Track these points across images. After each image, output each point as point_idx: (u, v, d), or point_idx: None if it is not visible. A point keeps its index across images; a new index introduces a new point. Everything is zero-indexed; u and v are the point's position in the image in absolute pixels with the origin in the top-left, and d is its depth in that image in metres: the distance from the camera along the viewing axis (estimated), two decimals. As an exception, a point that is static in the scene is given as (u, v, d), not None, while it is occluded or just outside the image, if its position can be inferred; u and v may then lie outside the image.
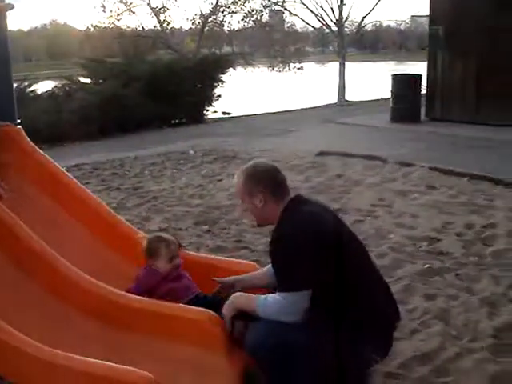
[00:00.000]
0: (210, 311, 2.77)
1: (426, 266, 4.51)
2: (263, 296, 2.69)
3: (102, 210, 3.68)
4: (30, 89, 13.69)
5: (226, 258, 3.40)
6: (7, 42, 3.89)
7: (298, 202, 2.78)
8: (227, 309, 2.73)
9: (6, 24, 3.91)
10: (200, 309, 2.79)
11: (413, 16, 44.81)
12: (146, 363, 2.50)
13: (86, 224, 3.59)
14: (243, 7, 25.39)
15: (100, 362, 2.42)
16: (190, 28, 27.34)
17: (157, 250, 3.11)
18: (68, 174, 3.87)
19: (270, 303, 2.62)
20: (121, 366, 2.39)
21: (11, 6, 3.84)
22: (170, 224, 5.79)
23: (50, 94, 13.83)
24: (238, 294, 2.81)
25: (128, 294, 2.91)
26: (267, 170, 2.81)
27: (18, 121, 3.99)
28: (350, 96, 21.90)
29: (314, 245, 2.57)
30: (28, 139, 3.82)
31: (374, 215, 5.92)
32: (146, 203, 6.66)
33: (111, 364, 2.40)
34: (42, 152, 3.84)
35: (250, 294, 2.77)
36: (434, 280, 4.26)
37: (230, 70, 18.05)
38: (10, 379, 2.49)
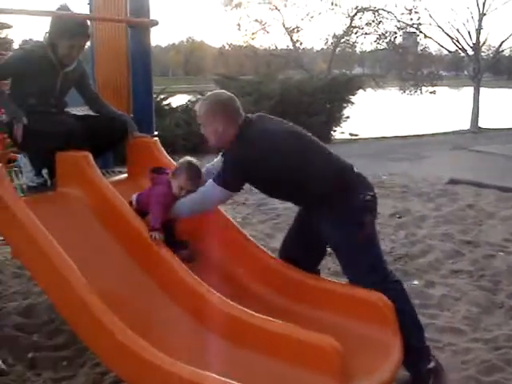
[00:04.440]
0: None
1: None
2: None
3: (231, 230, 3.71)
4: (166, 102, 14.29)
5: (350, 285, 3.32)
6: (150, 56, 4.09)
7: (250, 125, 3.27)
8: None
9: (149, 39, 4.11)
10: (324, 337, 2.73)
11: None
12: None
13: (220, 245, 3.62)
14: (377, 29, 25.17)
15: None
16: (322, 48, 27.55)
17: (178, 172, 3.36)
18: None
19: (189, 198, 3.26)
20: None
21: (155, 23, 4.03)
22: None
23: (184, 108, 14.35)
24: None
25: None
26: (224, 100, 3.31)
27: (156, 133, 4.17)
28: (483, 123, 20.98)
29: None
30: (164, 151, 3.97)
31: (506, 251, 5.61)
32: (270, 220, 6.71)
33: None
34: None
35: None
36: None
37: (360, 91, 17.89)
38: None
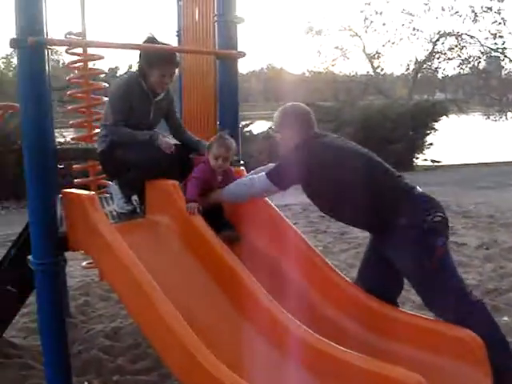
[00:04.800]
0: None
1: None
2: None
3: (317, 260, 3.66)
4: (247, 129, 14.47)
5: (436, 320, 3.22)
6: (237, 87, 4.15)
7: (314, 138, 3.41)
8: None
9: (237, 70, 4.17)
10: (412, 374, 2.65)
11: None
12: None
13: (304, 275, 3.57)
14: (460, 54, 24.72)
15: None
16: (402, 73, 27.26)
17: (210, 145, 3.54)
18: (285, 218, 3.94)
19: (243, 182, 3.50)
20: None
21: (243, 54, 4.08)
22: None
23: (265, 135, 14.48)
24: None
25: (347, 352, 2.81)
26: (303, 110, 3.52)
27: (242, 162, 4.20)
28: None
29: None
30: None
31: None
32: (352, 249, 6.63)
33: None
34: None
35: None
36: None
37: (443, 117, 17.52)
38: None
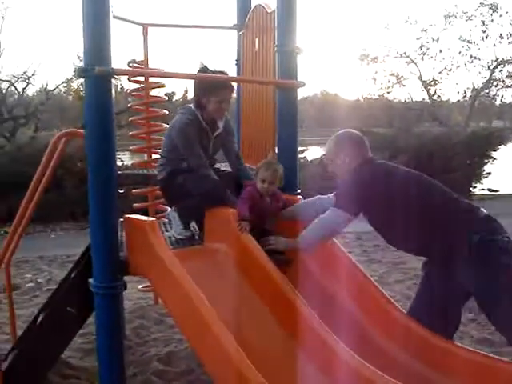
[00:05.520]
0: None
1: None
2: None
3: (372, 289, 3.64)
4: (301, 155, 14.49)
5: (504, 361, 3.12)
6: (296, 117, 4.17)
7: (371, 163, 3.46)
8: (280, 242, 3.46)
9: (296, 100, 4.20)
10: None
11: None
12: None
13: (358, 304, 3.56)
14: (519, 81, 24.29)
15: None
16: (458, 100, 26.90)
17: (257, 170, 3.62)
18: (338, 244, 3.90)
19: (317, 223, 3.38)
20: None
21: (302, 84, 4.11)
22: (431, 305, 5.57)
23: (319, 161, 14.48)
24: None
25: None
26: (357, 136, 3.54)
27: (299, 190, 4.21)
28: None
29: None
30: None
31: None
32: (407, 280, 6.52)
33: None
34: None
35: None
36: None
37: (502, 145, 17.14)
38: None
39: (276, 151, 4.20)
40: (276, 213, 3.74)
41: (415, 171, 3.50)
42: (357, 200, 3.31)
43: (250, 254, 3.36)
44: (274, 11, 4.14)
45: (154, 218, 3.59)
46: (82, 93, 23.69)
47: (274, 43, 4.08)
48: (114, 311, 3.33)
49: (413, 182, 3.35)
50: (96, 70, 3.02)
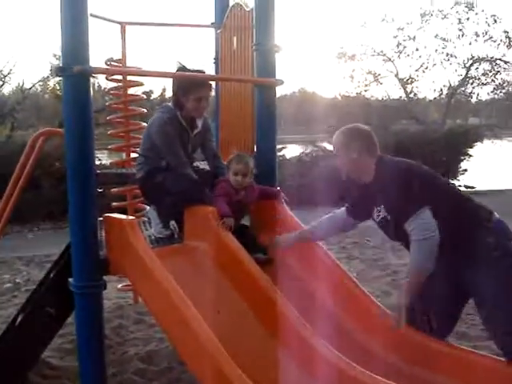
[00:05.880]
0: None
1: None
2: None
3: (350, 285, 3.67)
4: (280, 153, 14.51)
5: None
6: (275, 114, 4.20)
7: (385, 160, 3.35)
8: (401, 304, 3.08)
9: (275, 98, 4.22)
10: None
11: None
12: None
13: (332, 293, 3.58)
14: (494, 79, 24.57)
15: None
16: (435, 98, 27.12)
17: (228, 164, 3.67)
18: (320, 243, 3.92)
19: (414, 251, 3.06)
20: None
21: (281, 82, 4.14)
22: (410, 301, 5.62)
23: (298, 159, 14.53)
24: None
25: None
26: (361, 133, 3.37)
27: (278, 188, 4.22)
28: None
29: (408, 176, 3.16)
30: (284, 203, 4.03)
31: None
32: (386, 276, 6.57)
33: None
34: (296, 218, 4.00)
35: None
36: None
37: (478, 143, 17.34)
38: None
39: (255, 149, 4.22)
40: (251, 204, 3.82)
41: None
42: (416, 191, 3.11)
43: (231, 252, 3.38)
44: (251, 10, 4.16)
45: (133, 217, 3.58)
46: (58, 91, 23.54)
47: (253, 41, 4.10)
48: (94, 311, 3.32)
49: (429, 174, 3.34)
50: (74, 68, 3.01)
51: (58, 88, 23.68)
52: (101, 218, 3.42)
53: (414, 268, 3.12)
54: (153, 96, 33.02)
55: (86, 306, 3.29)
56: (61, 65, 3.11)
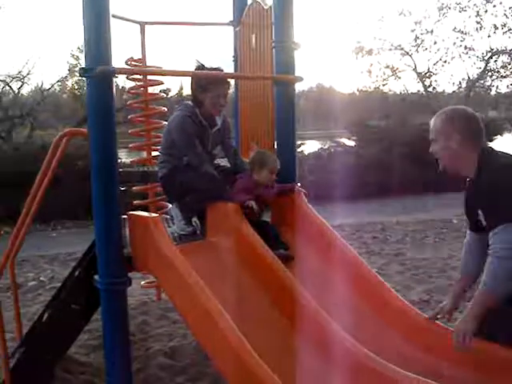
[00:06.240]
0: None
1: None
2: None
3: (370, 276, 3.69)
4: (299, 149, 14.55)
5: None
6: (294, 111, 4.22)
7: (492, 152, 2.83)
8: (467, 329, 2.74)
9: (294, 95, 4.24)
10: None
11: None
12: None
13: (354, 288, 3.61)
14: (514, 71, 24.32)
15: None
16: (454, 91, 26.88)
17: (261, 162, 3.76)
18: (338, 235, 3.91)
19: (489, 268, 2.66)
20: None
21: (300, 79, 4.16)
22: (431, 296, 5.63)
23: (317, 155, 14.55)
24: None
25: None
26: (468, 117, 2.84)
27: (299, 184, 4.25)
28: None
29: None
30: (305, 200, 4.05)
31: None
32: (407, 271, 6.58)
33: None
34: (316, 213, 4.02)
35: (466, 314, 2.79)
36: None
37: (498, 136, 17.22)
38: None
39: (275, 145, 4.25)
40: (271, 199, 3.90)
41: None
42: None
43: (252, 248, 3.43)
44: (270, 7, 4.18)
45: (157, 214, 3.63)
46: (76, 91, 23.74)
47: (272, 39, 4.12)
48: (119, 307, 3.38)
49: None
50: (97, 69, 3.06)
51: (77, 88, 23.90)
52: (124, 216, 3.48)
53: (485, 288, 2.70)
54: (170, 94, 33.13)
55: (111, 302, 3.35)
56: (85, 66, 3.16)
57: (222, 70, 3.98)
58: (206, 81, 3.85)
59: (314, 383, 2.94)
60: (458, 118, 2.85)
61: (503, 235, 2.62)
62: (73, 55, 23.29)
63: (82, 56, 27.52)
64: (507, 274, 2.63)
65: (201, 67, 3.89)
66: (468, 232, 3.12)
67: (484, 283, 2.71)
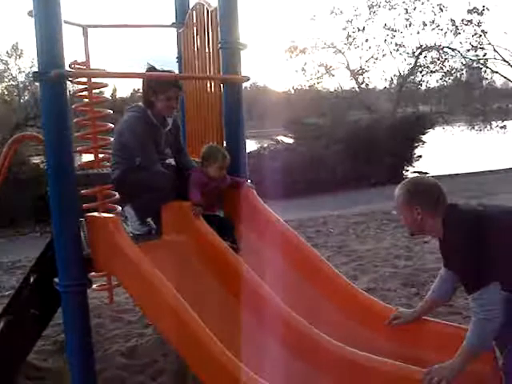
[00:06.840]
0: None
1: None
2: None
3: (323, 267, 3.89)
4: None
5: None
6: (242, 110, 4.32)
7: (454, 211, 2.92)
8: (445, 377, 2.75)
9: (241, 94, 4.35)
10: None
11: None
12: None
13: (308, 279, 3.81)
14: (442, 66, 25.15)
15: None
16: (385, 87, 27.59)
17: (210, 158, 3.89)
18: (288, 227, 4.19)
19: (474, 329, 2.75)
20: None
21: (247, 79, 4.27)
22: (377, 284, 5.85)
23: (257, 153, 14.70)
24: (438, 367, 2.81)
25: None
26: (425, 189, 2.97)
27: (249, 181, 4.36)
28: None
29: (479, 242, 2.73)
30: (255, 193, 4.18)
31: None
32: (352, 262, 6.79)
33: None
34: (268, 208, 4.16)
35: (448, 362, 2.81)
36: None
37: (430, 129, 17.81)
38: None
39: (224, 144, 4.34)
40: (223, 191, 4.06)
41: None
42: (480, 264, 2.74)
43: (210, 244, 3.57)
44: (215, 8, 4.26)
45: (114, 215, 3.67)
46: (6, 97, 23.11)
47: (218, 40, 4.20)
48: (80, 308, 3.40)
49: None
50: (53, 73, 3.08)
51: (6, 93, 23.29)
52: (81, 219, 3.50)
53: (470, 346, 2.78)
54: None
55: (73, 304, 3.37)
56: (38, 70, 3.18)
57: (174, 73, 4.05)
58: (157, 83, 3.91)
59: (256, 348, 3.12)
60: (418, 192, 2.97)
61: (481, 301, 2.73)
62: (1, 60, 22.70)
63: (10, 61, 26.96)
64: (492, 334, 2.76)
65: (152, 69, 3.95)
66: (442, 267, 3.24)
67: (471, 343, 2.78)
